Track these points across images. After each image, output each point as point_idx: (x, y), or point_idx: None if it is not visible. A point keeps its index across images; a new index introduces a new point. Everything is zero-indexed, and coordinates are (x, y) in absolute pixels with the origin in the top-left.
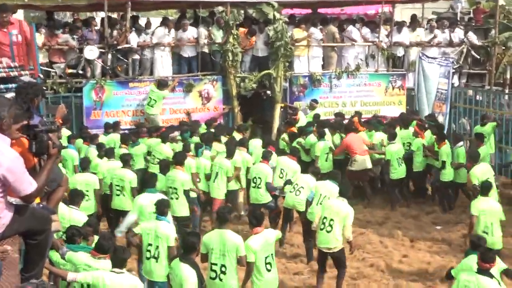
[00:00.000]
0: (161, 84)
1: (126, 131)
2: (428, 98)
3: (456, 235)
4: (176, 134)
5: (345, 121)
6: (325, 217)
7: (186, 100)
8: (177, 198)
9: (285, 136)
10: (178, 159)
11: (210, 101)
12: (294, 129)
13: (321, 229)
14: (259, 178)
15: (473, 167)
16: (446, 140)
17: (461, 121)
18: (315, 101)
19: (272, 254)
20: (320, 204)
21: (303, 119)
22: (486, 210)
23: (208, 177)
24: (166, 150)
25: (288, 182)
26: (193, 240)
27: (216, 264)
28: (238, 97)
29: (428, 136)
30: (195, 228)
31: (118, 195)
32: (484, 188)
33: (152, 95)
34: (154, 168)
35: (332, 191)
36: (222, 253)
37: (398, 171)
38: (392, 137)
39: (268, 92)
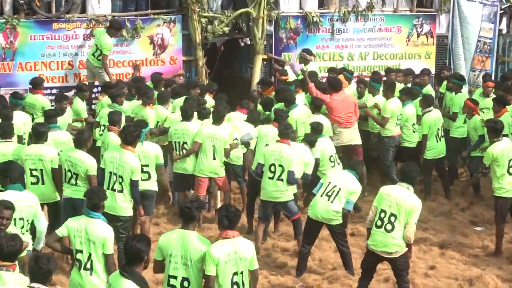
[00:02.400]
0: (114, 26)
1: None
2: (466, 50)
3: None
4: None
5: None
6: (383, 211)
7: (132, 49)
8: (120, 191)
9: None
10: (127, 135)
11: (166, 51)
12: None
13: (378, 227)
14: (281, 166)
15: (493, 144)
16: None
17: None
18: (308, 52)
19: (243, 273)
20: (326, 195)
21: (293, 78)
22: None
23: None
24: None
25: None
26: (139, 246)
27: (175, 277)
28: (204, 45)
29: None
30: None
31: (35, 183)
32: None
33: (98, 42)
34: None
35: (347, 183)
36: (184, 263)
37: (436, 148)
38: (427, 102)
39: (246, 39)
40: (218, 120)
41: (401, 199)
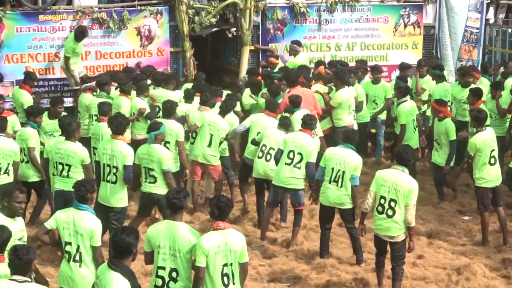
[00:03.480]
0: (79, 35)
1: None
2: (453, 40)
3: (489, 229)
4: (93, 83)
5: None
6: (382, 197)
7: (119, 41)
8: (114, 182)
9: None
10: (118, 126)
11: (153, 42)
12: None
13: (380, 213)
14: (300, 154)
15: (476, 133)
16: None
17: (499, 72)
18: (298, 43)
19: (232, 265)
20: (335, 182)
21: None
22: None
23: None
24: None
25: (253, 142)
26: (128, 239)
27: (163, 268)
28: (192, 36)
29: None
30: None
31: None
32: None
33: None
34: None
35: (347, 162)
36: (173, 253)
37: (412, 140)
38: (402, 92)
39: (233, 29)
40: (224, 112)
41: (397, 183)
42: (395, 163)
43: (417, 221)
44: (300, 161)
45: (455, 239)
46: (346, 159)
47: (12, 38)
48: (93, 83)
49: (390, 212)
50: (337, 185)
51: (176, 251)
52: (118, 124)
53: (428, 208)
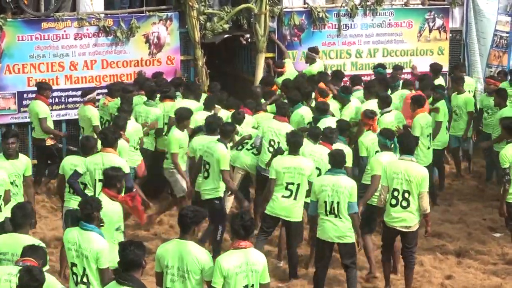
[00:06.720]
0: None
1: None
2: (481, 45)
3: None
4: (94, 95)
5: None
6: (395, 190)
7: (126, 49)
8: None
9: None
10: (108, 139)
11: (162, 50)
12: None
13: (393, 205)
14: (318, 169)
15: (507, 146)
16: None
17: None
18: (315, 50)
19: (253, 286)
20: (332, 214)
21: (291, 72)
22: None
23: None
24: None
25: (279, 150)
26: (136, 251)
27: None
28: (204, 44)
29: None
30: None
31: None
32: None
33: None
34: None
35: (346, 188)
36: (182, 275)
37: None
38: (386, 102)
39: (247, 36)
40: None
41: (410, 174)
42: (401, 154)
43: (445, 239)
44: (318, 176)
45: (486, 257)
46: (338, 187)
47: (13, 47)
48: (94, 95)
49: (404, 203)
50: (335, 217)
51: (185, 272)
52: (109, 134)
53: (456, 225)
